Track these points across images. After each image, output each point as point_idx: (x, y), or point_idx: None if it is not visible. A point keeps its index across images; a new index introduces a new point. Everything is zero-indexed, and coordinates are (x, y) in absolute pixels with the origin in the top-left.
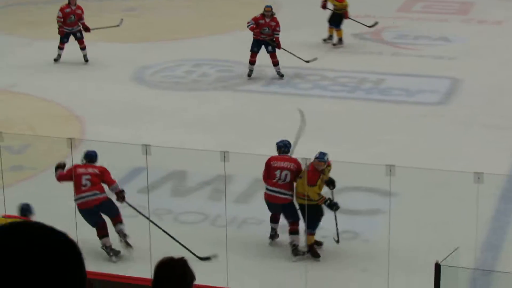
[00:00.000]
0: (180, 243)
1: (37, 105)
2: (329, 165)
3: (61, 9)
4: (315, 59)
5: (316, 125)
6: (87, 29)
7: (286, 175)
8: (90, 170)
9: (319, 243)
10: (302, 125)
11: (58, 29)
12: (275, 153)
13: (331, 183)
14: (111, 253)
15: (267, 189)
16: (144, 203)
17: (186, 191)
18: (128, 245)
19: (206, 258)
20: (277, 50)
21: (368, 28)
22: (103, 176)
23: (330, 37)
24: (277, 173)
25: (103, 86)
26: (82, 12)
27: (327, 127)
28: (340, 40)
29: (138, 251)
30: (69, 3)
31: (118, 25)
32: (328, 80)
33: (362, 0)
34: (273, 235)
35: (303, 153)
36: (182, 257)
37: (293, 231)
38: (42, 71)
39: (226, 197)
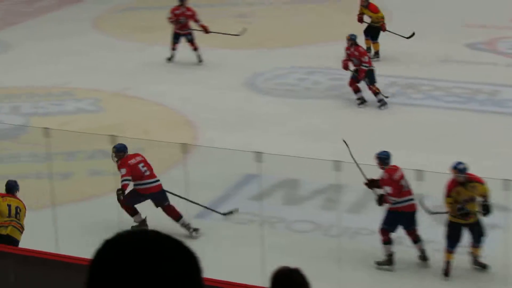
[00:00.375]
0: (197, 204)
1: (150, 110)
2: (478, 182)
3: (172, 11)
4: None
5: (428, 135)
6: (205, 30)
7: (407, 181)
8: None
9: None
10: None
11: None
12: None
13: (485, 208)
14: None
15: (401, 201)
16: (256, 210)
17: (298, 199)
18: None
19: (229, 213)
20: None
21: (406, 39)
22: None
23: (369, 49)
24: (403, 182)
25: (216, 92)
26: (194, 13)
27: (440, 138)
28: (377, 54)
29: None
30: (180, 5)
31: (238, 35)
32: (441, 91)
33: (475, 9)
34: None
35: (417, 163)
36: (298, 268)
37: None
38: (155, 75)
39: (339, 207)
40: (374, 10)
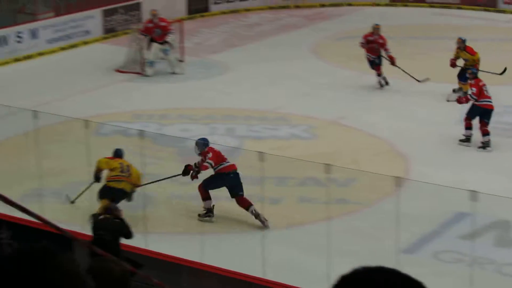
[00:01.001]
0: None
1: (362, 140)
2: None
3: (365, 37)
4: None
5: None
6: (392, 61)
7: None
8: None
9: None
10: None
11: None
12: None
13: None
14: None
15: None
16: (465, 250)
17: (510, 242)
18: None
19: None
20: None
21: (499, 75)
22: None
23: (460, 89)
24: None
25: (428, 125)
26: (385, 42)
27: None
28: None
29: None
30: (372, 32)
31: (420, 81)
32: None
33: None
34: None
35: None
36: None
37: None
38: (369, 105)
39: None
40: (471, 52)
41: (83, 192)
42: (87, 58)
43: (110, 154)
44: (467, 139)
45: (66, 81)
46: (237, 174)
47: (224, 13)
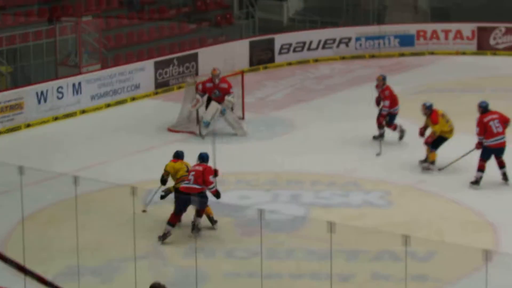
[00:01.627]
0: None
1: (445, 207)
2: None
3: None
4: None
5: None
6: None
7: None
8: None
9: None
10: None
11: None
12: None
13: None
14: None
15: None
16: None
17: None
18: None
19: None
20: None
21: None
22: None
23: None
24: None
25: None
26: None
27: None
28: None
29: None
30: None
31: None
32: None
33: None
34: None
35: None
36: None
37: None
38: (451, 167)
39: None
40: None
41: (152, 197)
42: (136, 115)
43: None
44: (475, 181)
45: (111, 141)
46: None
47: (290, 64)
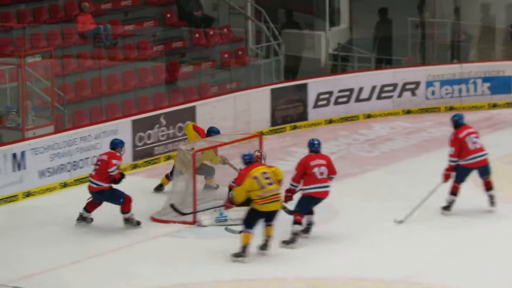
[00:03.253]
0: None
1: None
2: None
3: None
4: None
5: None
6: None
7: None
8: None
9: None
10: None
11: None
12: None
13: None
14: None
15: None
16: None
17: None
18: None
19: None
20: None
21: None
22: None
23: None
24: None
25: None
26: None
27: None
28: None
29: None
30: None
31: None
32: None
33: None
34: None
35: None
36: None
37: None
38: None
39: None
40: None
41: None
42: None
43: None
44: (447, 207)
45: (69, 239)
46: None
47: (330, 121)
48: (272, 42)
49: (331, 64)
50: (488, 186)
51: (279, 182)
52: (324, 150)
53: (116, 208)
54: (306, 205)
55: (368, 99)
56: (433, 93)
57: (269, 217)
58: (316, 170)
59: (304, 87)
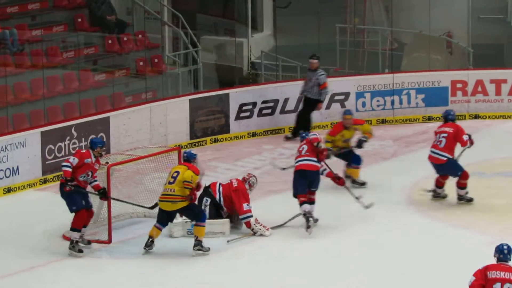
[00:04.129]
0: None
1: None
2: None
3: None
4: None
5: None
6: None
7: None
8: None
9: None
10: None
11: None
12: None
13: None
14: None
15: None
16: None
17: None
18: None
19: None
20: None
21: None
22: None
23: None
24: None
25: None
26: None
27: None
28: None
29: None
30: None
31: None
32: None
33: None
34: None
35: None
36: None
37: None
38: None
39: None
40: None
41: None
42: (12, 217)
43: None
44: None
45: None
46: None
47: (254, 134)
48: (190, 49)
49: (254, 73)
50: (438, 184)
51: (184, 184)
52: (247, 165)
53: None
54: (297, 183)
55: (294, 110)
56: (363, 104)
57: (169, 216)
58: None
59: (225, 97)
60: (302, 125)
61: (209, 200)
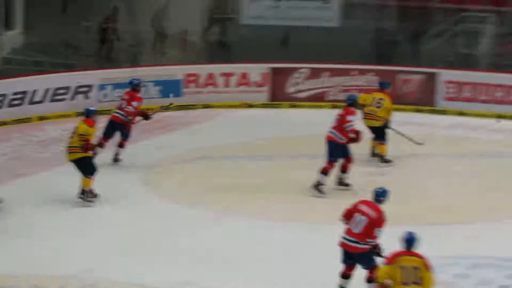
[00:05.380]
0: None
1: None
2: None
3: None
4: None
5: None
6: None
7: None
8: None
9: None
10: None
11: None
12: None
13: None
14: None
15: None
16: None
17: None
18: None
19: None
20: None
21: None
22: None
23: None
24: None
25: None
26: None
27: None
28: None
29: None
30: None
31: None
32: None
33: None
34: None
35: None
36: None
37: None
38: None
39: None
40: None
41: None
42: None
43: None
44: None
45: None
46: None
47: (5, 123)
48: None
49: (7, 68)
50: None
51: (79, 136)
52: None
53: None
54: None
55: (41, 101)
56: (105, 96)
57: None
58: None
59: None
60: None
61: None
